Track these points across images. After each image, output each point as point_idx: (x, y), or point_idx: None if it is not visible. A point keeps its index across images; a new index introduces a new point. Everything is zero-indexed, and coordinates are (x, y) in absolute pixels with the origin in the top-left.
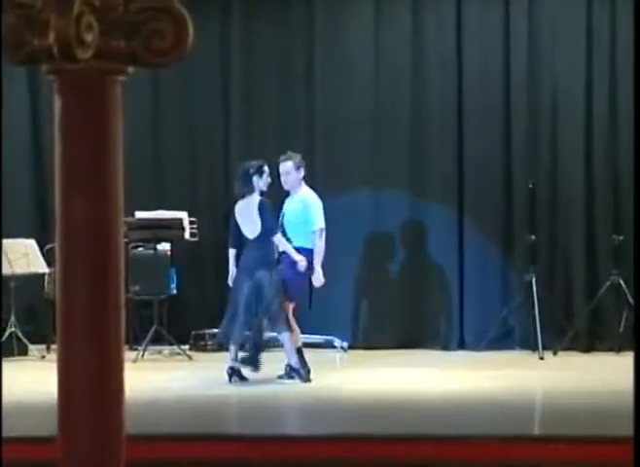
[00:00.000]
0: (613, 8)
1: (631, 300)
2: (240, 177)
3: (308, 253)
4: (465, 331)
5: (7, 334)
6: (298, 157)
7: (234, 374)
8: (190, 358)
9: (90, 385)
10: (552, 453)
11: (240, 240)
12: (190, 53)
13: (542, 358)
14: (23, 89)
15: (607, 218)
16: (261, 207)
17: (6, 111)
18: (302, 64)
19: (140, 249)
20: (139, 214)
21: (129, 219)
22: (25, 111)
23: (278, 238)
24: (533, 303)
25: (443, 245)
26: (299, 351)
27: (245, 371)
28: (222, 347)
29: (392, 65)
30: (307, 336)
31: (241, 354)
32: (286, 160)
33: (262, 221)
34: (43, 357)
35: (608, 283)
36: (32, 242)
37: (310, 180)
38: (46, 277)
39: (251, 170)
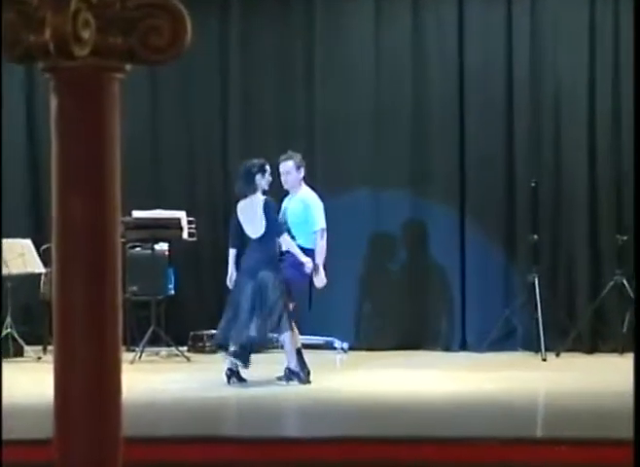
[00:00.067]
0: (616, 6)
1: None
2: (242, 176)
3: (309, 253)
4: (467, 332)
5: (3, 335)
6: (298, 156)
7: (233, 375)
8: (188, 359)
9: (87, 387)
10: (555, 456)
11: (241, 240)
12: (188, 51)
13: (544, 359)
14: (19, 87)
15: (610, 217)
16: (266, 207)
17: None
18: (301, 64)
19: (138, 249)
20: (136, 213)
21: (127, 218)
22: (21, 109)
23: (285, 239)
24: (536, 303)
25: (444, 245)
26: (298, 352)
27: (244, 372)
28: (220, 349)
29: (392, 65)
30: (307, 337)
31: (233, 348)
32: (287, 159)
33: (267, 221)
34: (39, 358)
35: (611, 283)
36: (28, 242)
37: (310, 180)
38: (42, 278)
39: (254, 169)
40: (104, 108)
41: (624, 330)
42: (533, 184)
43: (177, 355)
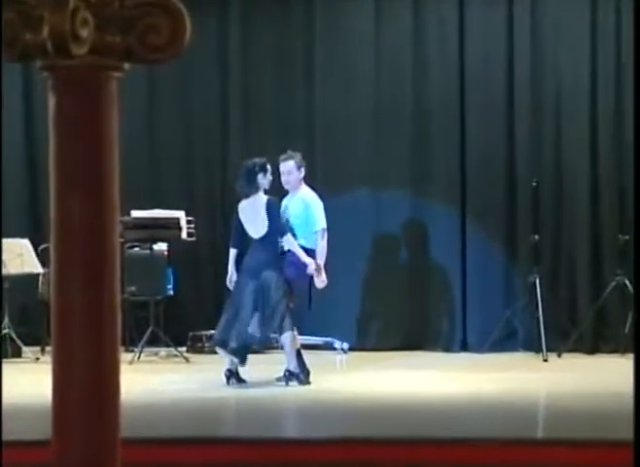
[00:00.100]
0: (617, 5)
1: None
2: (244, 175)
3: (309, 253)
4: (467, 332)
5: (0, 335)
6: (298, 156)
7: (232, 376)
8: (187, 360)
9: (86, 388)
10: (555, 457)
11: (242, 240)
12: (187, 50)
13: (546, 360)
14: (16, 86)
15: (612, 217)
16: (269, 207)
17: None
18: (301, 64)
19: (136, 249)
20: (135, 213)
21: (125, 218)
22: (18, 108)
23: (288, 239)
24: (537, 304)
25: (445, 246)
26: (297, 353)
27: (243, 373)
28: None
29: (393, 64)
30: (307, 337)
31: (233, 345)
32: (287, 159)
33: (270, 221)
34: (37, 359)
35: (613, 284)
36: (26, 242)
37: (310, 180)
38: (40, 278)
39: (256, 168)
40: (102, 107)
41: (626, 330)
42: (534, 184)
43: (176, 356)
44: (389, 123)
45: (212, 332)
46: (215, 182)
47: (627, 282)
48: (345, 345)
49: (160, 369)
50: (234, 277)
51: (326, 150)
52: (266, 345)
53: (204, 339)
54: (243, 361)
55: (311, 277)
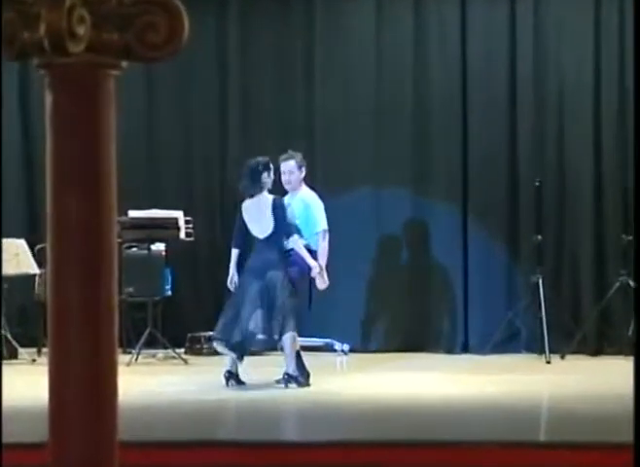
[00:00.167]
0: (621, 3)
1: None
2: (248, 175)
3: (311, 254)
4: (469, 334)
5: None
6: (299, 155)
7: (232, 377)
8: (185, 362)
9: (83, 390)
10: (558, 460)
11: (245, 241)
12: (186, 49)
13: (549, 362)
14: (13, 84)
15: (616, 217)
16: (275, 206)
17: None
18: (301, 64)
19: (134, 249)
20: (133, 213)
21: (123, 218)
22: (15, 107)
23: (294, 240)
24: (540, 304)
25: (446, 245)
26: (297, 355)
27: (242, 374)
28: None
29: (394, 64)
30: (307, 339)
31: (234, 340)
32: (288, 158)
33: (276, 221)
34: (33, 361)
35: (617, 284)
36: (22, 242)
37: (311, 180)
38: (36, 278)
39: (260, 167)
40: (99, 105)
41: (630, 332)
42: (537, 183)
43: (174, 357)
44: (390, 122)
45: (211, 333)
46: (214, 182)
47: (631, 283)
48: (346, 347)
49: (157, 370)
50: (236, 278)
51: (326, 150)
52: (267, 346)
53: (203, 340)
54: (241, 357)
55: (313, 278)
